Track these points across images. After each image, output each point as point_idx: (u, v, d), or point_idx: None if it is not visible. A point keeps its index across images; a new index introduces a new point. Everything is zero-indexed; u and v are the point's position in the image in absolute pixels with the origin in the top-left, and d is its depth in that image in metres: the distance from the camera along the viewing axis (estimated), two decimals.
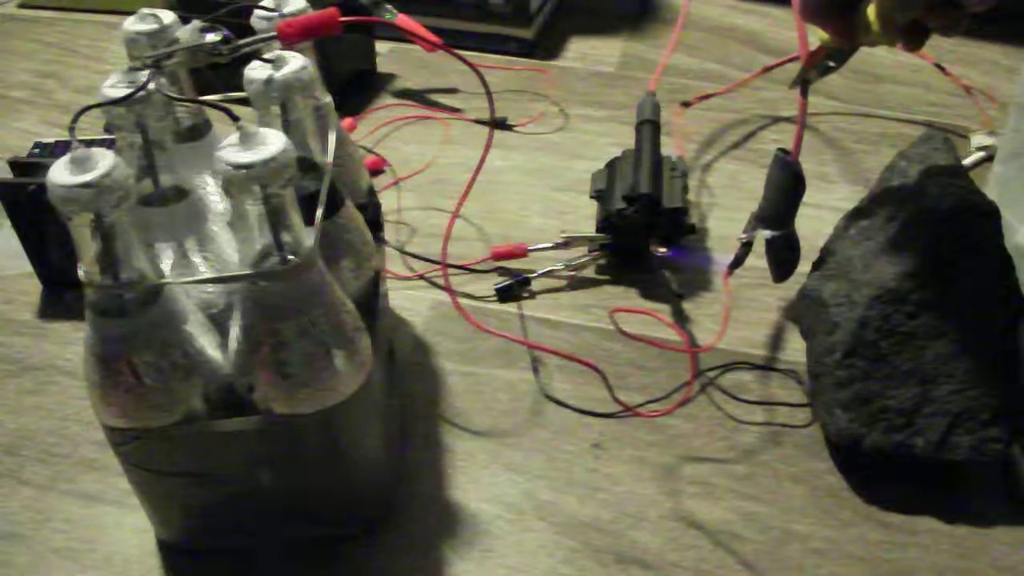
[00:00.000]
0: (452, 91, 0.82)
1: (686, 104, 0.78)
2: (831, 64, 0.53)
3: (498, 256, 0.63)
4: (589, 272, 0.63)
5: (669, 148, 0.68)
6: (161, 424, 0.39)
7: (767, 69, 0.78)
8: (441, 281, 0.63)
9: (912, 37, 0.46)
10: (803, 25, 0.50)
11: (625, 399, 0.54)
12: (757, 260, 0.60)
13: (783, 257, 0.56)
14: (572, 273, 0.63)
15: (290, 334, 0.38)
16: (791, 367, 0.56)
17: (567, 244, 0.63)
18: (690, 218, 0.63)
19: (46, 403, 0.55)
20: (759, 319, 0.60)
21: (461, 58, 0.47)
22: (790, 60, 0.75)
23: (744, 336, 0.58)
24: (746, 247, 0.56)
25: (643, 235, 0.61)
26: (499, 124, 0.77)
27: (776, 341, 0.58)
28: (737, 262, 0.57)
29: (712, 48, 0.89)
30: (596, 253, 0.63)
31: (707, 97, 0.79)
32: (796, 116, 0.54)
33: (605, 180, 0.64)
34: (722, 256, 0.64)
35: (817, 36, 0.52)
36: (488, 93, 0.49)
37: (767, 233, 0.55)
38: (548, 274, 0.63)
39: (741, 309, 0.60)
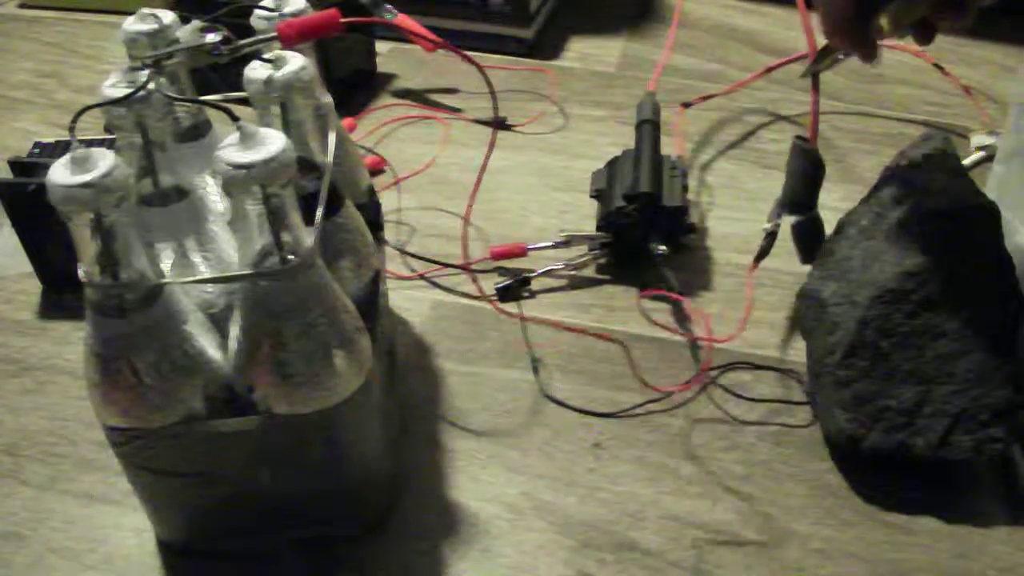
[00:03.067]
0: (452, 91, 0.82)
1: (687, 105, 0.78)
2: (841, 56, 0.54)
3: (497, 256, 0.63)
4: (589, 272, 0.63)
5: (669, 148, 0.68)
6: (161, 424, 0.39)
7: (769, 70, 0.78)
8: (442, 281, 0.63)
9: (922, 33, 0.48)
10: (809, 22, 0.51)
11: (626, 399, 0.54)
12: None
13: (810, 239, 0.58)
14: (572, 272, 0.63)
15: (290, 334, 0.38)
16: (791, 367, 0.56)
17: (567, 243, 0.63)
18: (690, 218, 0.63)
19: (46, 403, 0.55)
20: (759, 319, 0.60)
21: (464, 56, 0.47)
22: (790, 61, 0.75)
23: (744, 336, 0.58)
24: (771, 237, 0.58)
25: (643, 234, 0.61)
26: (499, 124, 0.77)
27: (776, 341, 0.58)
28: (763, 253, 0.59)
29: (712, 48, 0.89)
30: (596, 252, 0.63)
31: (708, 98, 0.79)
32: (799, 113, 0.55)
33: (605, 179, 0.64)
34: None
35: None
36: (492, 92, 0.49)
37: (792, 218, 0.57)
38: (548, 273, 0.63)
39: (741, 309, 0.60)
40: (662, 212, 0.60)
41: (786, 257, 0.59)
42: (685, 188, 0.63)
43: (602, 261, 0.63)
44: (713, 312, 0.60)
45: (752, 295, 0.59)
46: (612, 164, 0.65)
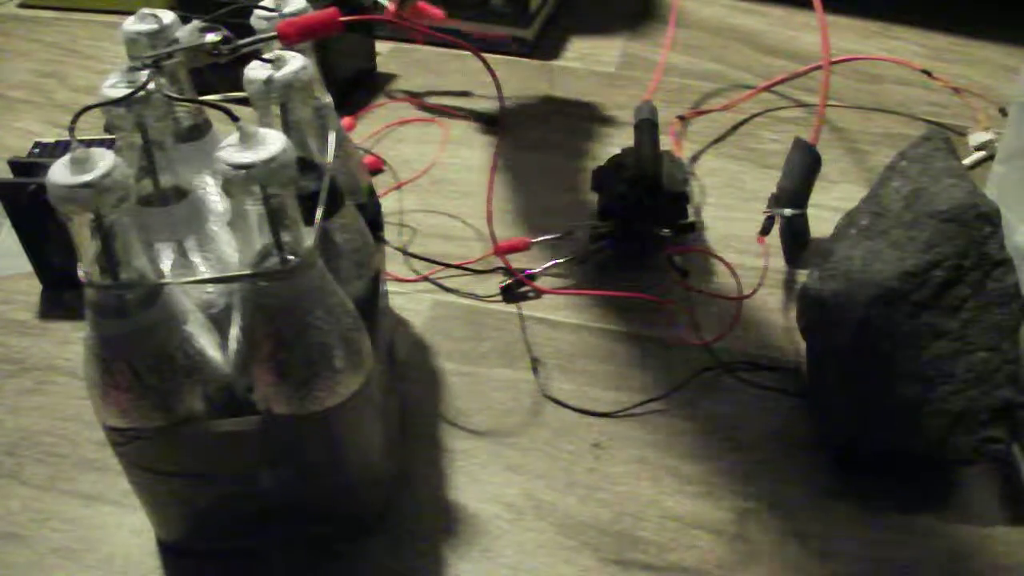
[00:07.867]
0: (452, 91, 0.82)
1: (682, 118, 0.78)
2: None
3: (502, 250, 0.63)
4: (591, 270, 0.63)
5: (668, 149, 0.68)
6: (161, 424, 0.39)
7: (771, 84, 0.79)
8: (444, 282, 0.63)
9: None
10: (825, 23, 0.54)
11: (626, 399, 0.54)
12: (757, 260, 0.60)
13: (802, 235, 0.62)
14: (575, 267, 0.63)
15: (290, 334, 0.38)
16: (791, 367, 0.56)
17: (570, 234, 0.63)
18: (690, 207, 0.64)
19: (46, 403, 0.55)
20: (760, 319, 0.60)
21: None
22: (786, 80, 0.75)
23: (744, 336, 0.58)
24: (770, 219, 0.62)
25: (646, 219, 0.61)
26: (501, 123, 0.77)
27: (776, 341, 0.58)
28: (766, 229, 0.62)
29: (712, 48, 0.89)
30: (599, 245, 0.63)
31: (703, 113, 0.79)
32: (799, 114, 0.55)
33: (606, 174, 0.65)
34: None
35: None
36: (499, 91, 0.48)
37: (788, 211, 0.61)
38: (552, 272, 0.63)
39: (742, 309, 0.60)
40: (663, 197, 0.60)
41: None
42: (686, 181, 0.63)
43: (605, 255, 0.63)
44: (713, 311, 0.60)
45: (753, 294, 0.59)
46: (612, 160, 0.66)
